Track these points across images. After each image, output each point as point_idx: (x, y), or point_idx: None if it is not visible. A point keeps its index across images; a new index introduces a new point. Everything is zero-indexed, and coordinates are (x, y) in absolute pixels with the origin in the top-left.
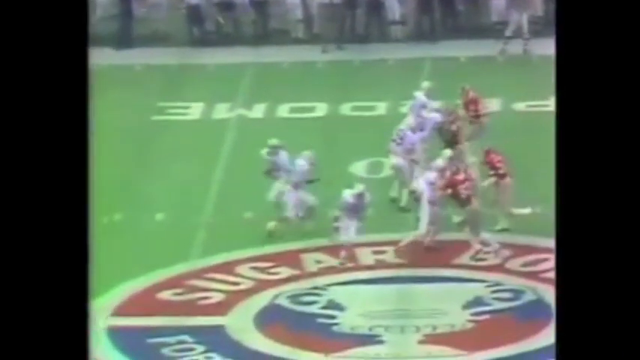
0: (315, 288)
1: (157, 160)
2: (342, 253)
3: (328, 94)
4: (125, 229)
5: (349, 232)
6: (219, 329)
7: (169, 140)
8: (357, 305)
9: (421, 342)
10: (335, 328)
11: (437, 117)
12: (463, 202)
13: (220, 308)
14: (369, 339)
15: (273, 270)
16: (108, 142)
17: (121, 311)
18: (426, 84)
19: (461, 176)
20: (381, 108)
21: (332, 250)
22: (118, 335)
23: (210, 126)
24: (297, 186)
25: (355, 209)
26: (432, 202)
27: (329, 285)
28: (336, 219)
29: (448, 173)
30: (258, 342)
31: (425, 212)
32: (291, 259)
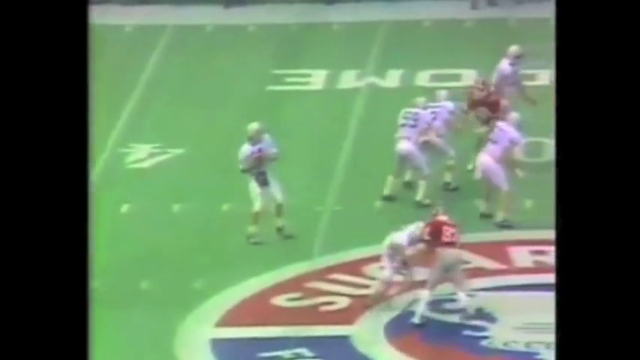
0: None
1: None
2: None
3: (478, 60)
4: (232, 220)
5: None
6: (343, 341)
7: (287, 114)
8: (512, 316)
9: None
10: (484, 342)
11: (449, 106)
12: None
13: (345, 316)
14: (526, 357)
15: (408, 270)
16: (216, 114)
17: (228, 320)
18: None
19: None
20: (544, 77)
21: (478, 248)
22: (223, 348)
23: (336, 97)
24: None
25: None
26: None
27: (477, 290)
28: None
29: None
30: (390, 356)
31: None
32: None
